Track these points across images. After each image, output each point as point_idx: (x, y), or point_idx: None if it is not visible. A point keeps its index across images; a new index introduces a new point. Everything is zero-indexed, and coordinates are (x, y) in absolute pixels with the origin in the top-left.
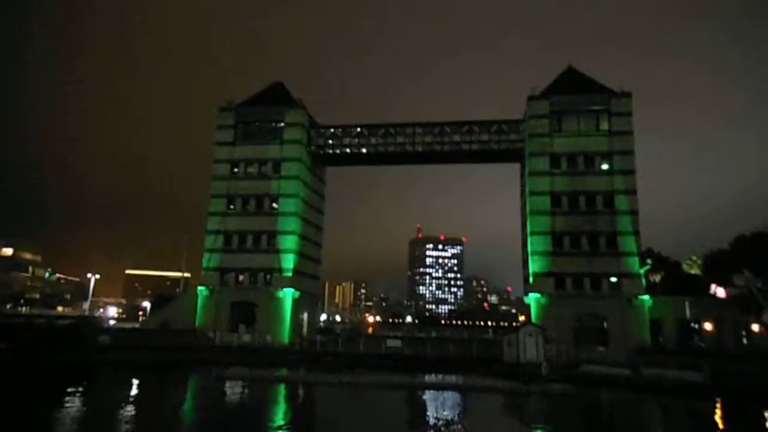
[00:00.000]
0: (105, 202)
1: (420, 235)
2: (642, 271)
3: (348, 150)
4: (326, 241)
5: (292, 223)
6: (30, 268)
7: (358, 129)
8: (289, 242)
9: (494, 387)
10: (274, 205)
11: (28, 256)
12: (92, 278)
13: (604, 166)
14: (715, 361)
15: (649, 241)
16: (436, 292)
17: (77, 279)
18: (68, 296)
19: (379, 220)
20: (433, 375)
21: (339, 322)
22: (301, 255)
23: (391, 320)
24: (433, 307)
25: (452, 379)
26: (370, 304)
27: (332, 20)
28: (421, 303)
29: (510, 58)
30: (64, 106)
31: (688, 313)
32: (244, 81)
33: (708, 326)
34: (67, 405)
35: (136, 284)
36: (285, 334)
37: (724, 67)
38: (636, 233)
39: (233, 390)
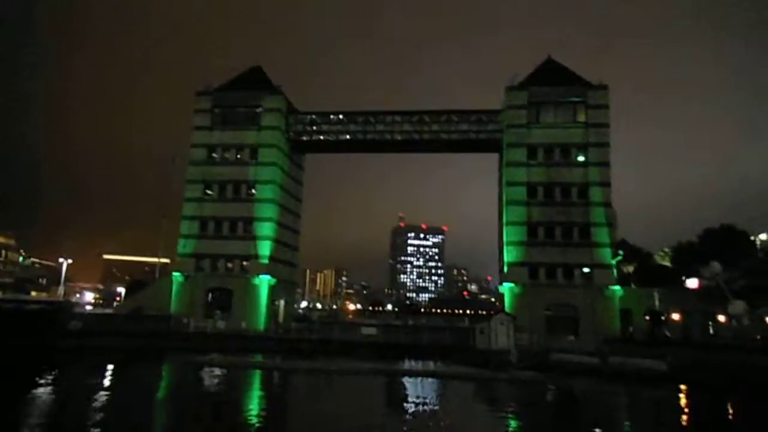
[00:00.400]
0: (82, 185)
1: (403, 224)
2: (614, 262)
3: (326, 137)
4: (307, 228)
5: (269, 209)
6: (3, 252)
7: (337, 116)
8: (265, 229)
9: (463, 374)
10: (252, 191)
11: (0, 239)
12: (64, 262)
13: (581, 158)
14: (680, 350)
15: (632, 233)
16: (417, 280)
17: (53, 264)
18: (43, 281)
19: (362, 207)
20: (407, 362)
21: (319, 309)
22: (277, 242)
23: (371, 308)
24: (414, 295)
25: (423, 365)
26: (351, 291)
27: (317, 6)
28: (402, 291)
29: (492, 48)
30: (41, 86)
31: (657, 303)
32: (225, 64)
33: (676, 316)
34: (32, 390)
35: (114, 270)
36: (260, 321)
37: (722, 60)
38: (609, 225)
39: (204, 377)
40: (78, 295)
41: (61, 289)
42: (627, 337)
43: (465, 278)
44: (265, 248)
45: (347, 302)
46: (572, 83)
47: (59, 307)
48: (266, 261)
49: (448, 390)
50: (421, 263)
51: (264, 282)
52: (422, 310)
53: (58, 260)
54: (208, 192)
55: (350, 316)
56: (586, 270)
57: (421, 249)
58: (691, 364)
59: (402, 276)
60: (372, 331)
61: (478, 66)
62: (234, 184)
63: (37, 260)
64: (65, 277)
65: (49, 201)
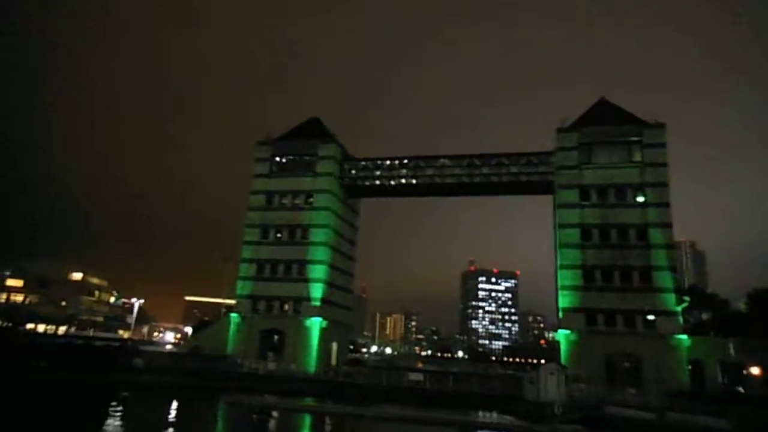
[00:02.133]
0: (160, 231)
1: (473, 268)
2: (679, 308)
3: (379, 182)
4: (378, 272)
5: (322, 252)
6: (96, 293)
7: (388, 162)
8: (318, 272)
9: (498, 424)
10: (305, 235)
11: (95, 281)
12: (137, 303)
13: (640, 199)
14: (751, 408)
15: (720, 279)
16: (490, 326)
17: (142, 302)
18: (129, 320)
19: (433, 252)
20: (447, 410)
21: (388, 354)
22: (330, 284)
23: (439, 354)
24: (487, 342)
25: (460, 415)
26: (421, 336)
27: (373, 62)
28: (474, 337)
29: (547, 96)
30: (115, 141)
31: (732, 354)
32: (287, 118)
33: (755, 370)
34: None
35: (195, 310)
36: (311, 363)
37: None
38: (672, 268)
39: (254, 419)
40: (160, 335)
41: (145, 329)
42: (697, 391)
43: (542, 325)
44: (317, 291)
45: (416, 347)
46: (626, 122)
47: (124, 344)
48: (318, 303)
49: None
50: (494, 309)
51: (315, 324)
52: (494, 358)
53: (144, 301)
54: (266, 236)
55: (420, 363)
56: (650, 317)
57: (493, 294)
58: (759, 424)
59: (473, 322)
60: (419, 377)
61: (534, 112)
62: (289, 228)
63: (126, 301)
64: (149, 316)
65: (132, 243)
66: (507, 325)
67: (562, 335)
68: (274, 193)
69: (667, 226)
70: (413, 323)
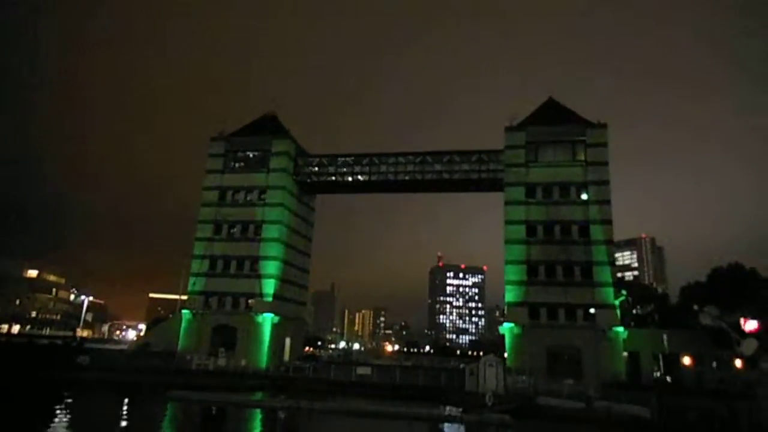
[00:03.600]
0: (124, 226)
1: (441, 264)
2: (617, 302)
3: (334, 178)
4: (347, 269)
5: (275, 248)
6: (53, 290)
7: (344, 158)
8: (270, 267)
9: (429, 415)
10: (259, 231)
11: (52, 278)
12: (85, 300)
13: (584, 196)
14: (670, 396)
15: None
16: (457, 321)
17: (102, 301)
18: (89, 318)
19: (402, 247)
20: (389, 402)
21: (355, 350)
22: (283, 280)
23: (405, 349)
24: (454, 336)
25: (399, 407)
26: (389, 332)
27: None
28: (442, 332)
29: (499, 90)
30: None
31: (666, 345)
32: (249, 115)
33: (686, 360)
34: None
35: (159, 308)
36: (263, 359)
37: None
38: (611, 263)
39: (179, 414)
40: (122, 333)
41: (105, 327)
42: (632, 381)
43: None
44: (269, 287)
45: (385, 343)
46: (572, 122)
47: (67, 342)
48: (270, 299)
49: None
50: (461, 303)
51: (267, 320)
52: (458, 352)
53: (105, 298)
54: (219, 232)
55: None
56: (591, 311)
57: (461, 289)
58: (676, 411)
59: (441, 317)
60: (366, 371)
61: (487, 108)
62: (242, 224)
63: (91, 298)
64: (112, 314)
65: (92, 239)
66: (474, 319)
67: (506, 328)
68: (228, 189)
69: (608, 222)
70: (382, 319)
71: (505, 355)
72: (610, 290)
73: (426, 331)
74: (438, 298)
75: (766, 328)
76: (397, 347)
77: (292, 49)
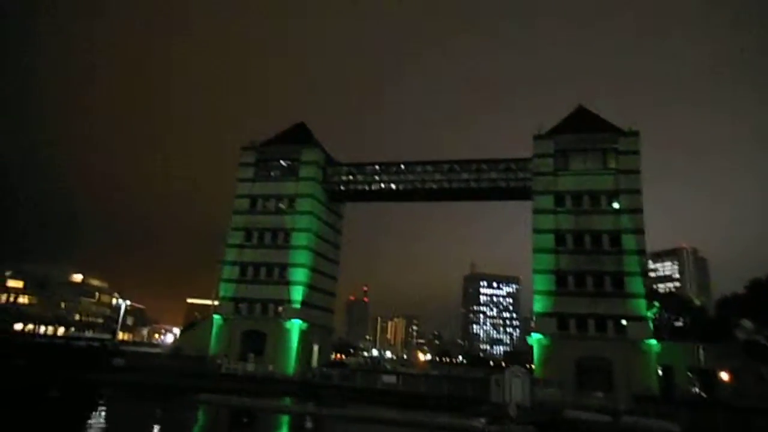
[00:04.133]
0: (164, 234)
1: (474, 272)
2: (650, 313)
3: (362, 187)
4: (379, 277)
5: (303, 256)
6: (97, 295)
7: (371, 167)
8: (299, 275)
9: (451, 425)
10: (288, 238)
11: (95, 282)
12: (123, 304)
13: (615, 205)
14: (702, 412)
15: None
16: (491, 331)
17: (142, 306)
18: (129, 322)
19: (435, 256)
20: (413, 411)
21: (388, 359)
22: (311, 287)
23: (437, 359)
24: (488, 347)
25: (421, 416)
26: (422, 341)
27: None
28: (475, 342)
29: (528, 102)
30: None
31: (702, 360)
32: (274, 121)
33: (724, 376)
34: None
35: (196, 312)
36: (290, 364)
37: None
38: (643, 274)
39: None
40: (162, 337)
41: (145, 331)
42: (665, 395)
43: None
44: (297, 293)
45: (417, 352)
46: (602, 130)
47: (104, 345)
48: (298, 306)
49: None
50: (495, 313)
51: (295, 326)
52: (491, 362)
53: (146, 303)
54: (249, 239)
55: (420, 368)
56: (624, 322)
57: (494, 298)
58: (705, 427)
59: (475, 326)
60: (392, 379)
61: (516, 118)
62: (272, 231)
63: (129, 303)
64: (151, 319)
65: (137, 248)
66: (508, 330)
67: (534, 339)
68: (258, 197)
69: (640, 232)
70: (415, 327)
71: (533, 366)
72: (643, 301)
73: (459, 340)
74: (472, 308)
75: None
76: (429, 356)
77: (318, 60)
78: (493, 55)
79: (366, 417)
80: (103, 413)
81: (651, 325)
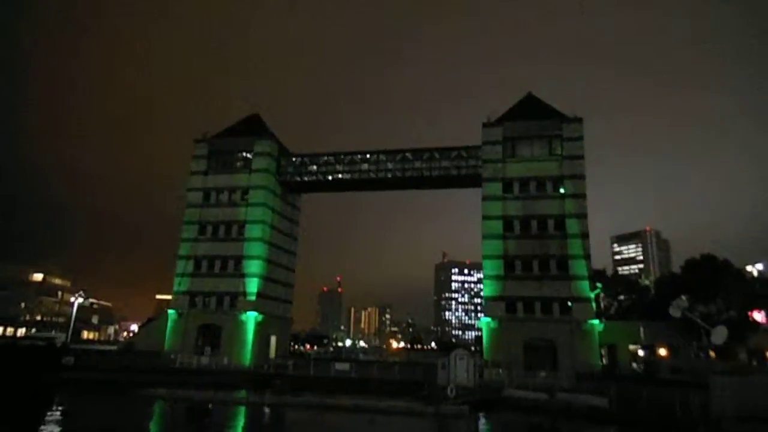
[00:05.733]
0: (130, 229)
1: (446, 260)
2: (592, 294)
3: (316, 177)
4: (352, 267)
5: (258, 248)
6: (59, 293)
7: (324, 157)
8: (254, 266)
9: (391, 408)
10: (242, 231)
11: (57, 281)
12: (75, 302)
13: (561, 190)
14: (630, 385)
15: None
16: (463, 317)
17: (108, 304)
18: (95, 321)
19: (407, 245)
20: (362, 396)
21: (361, 348)
22: (267, 279)
23: (409, 346)
24: (460, 332)
25: (367, 400)
26: (395, 329)
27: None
28: (447, 329)
29: (485, 85)
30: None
31: (642, 337)
32: (228, 113)
33: (662, 351)
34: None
35: (165, 308)
36: (246, 357)
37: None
38: (587, 257)
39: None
40: (130, 334)
41: (111, 329)
42: (606, 372)
43: None
44: (252, 285)
45: (391, 340)
46: (548, 117)
47: (51, 343)
48: (253, 298)
49: (356, 423)
50: (466, 300)
51: (251, 318)
52: (472, 348)
53: (112, 301)
54: (203, 233)
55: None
56: (569, 304)
57: (466, 285)
58: (631, 401)
59: (447, 313)
60: (345, 366)
61: (471, 105)
62: (226, 224)
63: (95, 301)
64: (119, 316)
65: (103, 245)
66: (479, 315)
67: (483, 323)
68: (211, 190)
69: (583, 216)
70: (388, 316)
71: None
72: (586, 283)
73: (432, 327)
74: (444, 295)
75: (739, 321)
76: (402, 344)
77: (277, 48)
78: (453, 41)
79: (312, 403)
80: (53, 413)
81: (594, 305)
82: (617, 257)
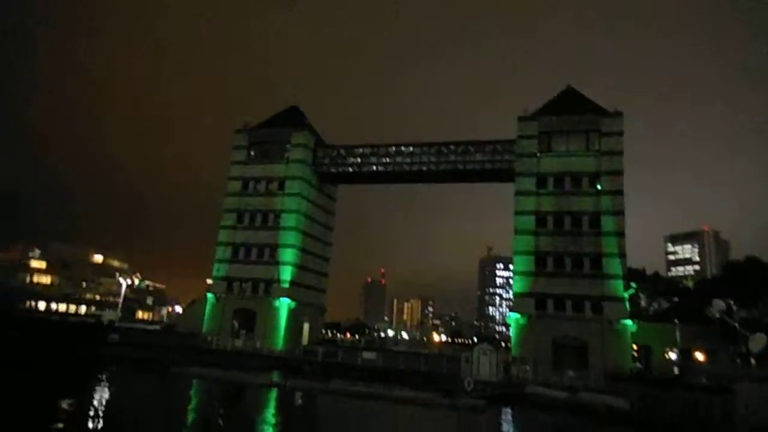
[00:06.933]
0: (180, 216)
1: (490, 255)
2: (626, 294)
3: (350, 169)
4: (396, 259)
5: (292, 237)
6: (117, 275)
7: (360, 149)
8: (288, 255)
9: (409, 398)
10: (278, 220)
11: (115, 263)
12: (124, 283)
13: (598, 186)
14: (652, 388)
15: None
16: (507, 312)
17: (162, 286)
18: (149, 302)
19: (452, 239)
20: (385, 385)
21: (404, 339)
22: (301, 267)
23: (450, 339)
24: (503, 329)
25: (383, 389)
26: (438, 322)
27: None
28: (490, 324)
29: (522, 81)
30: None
31: (678, 340)
32: (268, 105)
33: (699, 356)
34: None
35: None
36: (279, 342)
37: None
38: (622, 255)
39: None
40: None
41: (164, 310)
42: (638, 374)
43: None
44: (286, 273)
45: (433, 333)
46: (587, 111)
47: (99, 321)
48: (287, 285)
49: (371, 411)
50: (510, 295)
51: (284, 304)
52: (502, 344)
53: (167, 284)
54: (241, 221)
55: (436, 348)
56: (602, 303)
57: (510, 281)
58: (656, 404)
59: (490, 308)
60: (372, 356)
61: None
62: (263, 213)
63: (150, 283)
64: (171, 299)
65: (160, 231)
66: None
67: (512, 319)
68: (250, 180)
69: (620, 213)
70: (430, 309)
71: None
72: (620, 283)
73: (475, 322)
74: (487, 290)
75: None
76: (444, 338)
77: (318, 46)
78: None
79: (334, 390)
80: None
81: (627, 305)
82: (671, 257)
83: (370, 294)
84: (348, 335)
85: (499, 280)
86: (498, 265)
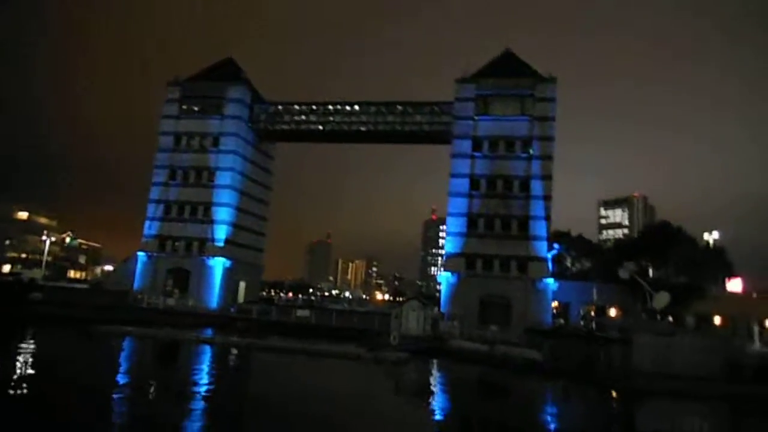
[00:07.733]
0: (122, 171)
1: (434, 217)
2: (549, 255)
3: (287, 127)
4: (342, 219)
5: (227, 195)
6: (45, 233)
7: (297, 106)
8: (223, 213)
9: (337, 352)
10: (212, 177)
11: (43, 220)
12: (47, 240)
13: (531, 151)
14: (562, 340)
15: None
16: None
17: (98, 245)
18: (82, 261)
19: (398, 200)
20: (316, 341)
21: (347, 298)
22: (236, 226)
23: (391, 298)
24: None
25: (310, 344)
26: (381, 282)
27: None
28: (432, 283)
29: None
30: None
31: (595, 298)
32: (201, 57)
33: (612, 312)
34: None
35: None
36: (214, 301)
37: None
38: (547, 218)
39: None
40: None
41: (98, 269)
42: (555, 329)
43: None
44: (221, 232)
45: (376, 292)
46: (524, 76)
47: (18, 279)
48: (221, 244)
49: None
50: None
51: (218, 263)
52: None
53: (102, 241)
54: (173, 178)
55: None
56: (526, 263)
57: None
58: (564, 355)
59: (433, 268)
60: (305, 313)
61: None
62: (196, 170)
63: (83, 241)
64: (109, 257)
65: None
66: None
67: (443, 278)
68: (183, 135)
69: (549, 178)
70: (374, 269)
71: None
72: (544, 244)
73: (418, 282)
74: (430, 251)
75: (686, 287)
76: (387, 296)
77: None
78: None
79: (261, 345)
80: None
81: (549, 265)
82: (603, 221)
83: (314, 254)
84: (290, 294)
85: (441, 242)
86: (441, 227)
